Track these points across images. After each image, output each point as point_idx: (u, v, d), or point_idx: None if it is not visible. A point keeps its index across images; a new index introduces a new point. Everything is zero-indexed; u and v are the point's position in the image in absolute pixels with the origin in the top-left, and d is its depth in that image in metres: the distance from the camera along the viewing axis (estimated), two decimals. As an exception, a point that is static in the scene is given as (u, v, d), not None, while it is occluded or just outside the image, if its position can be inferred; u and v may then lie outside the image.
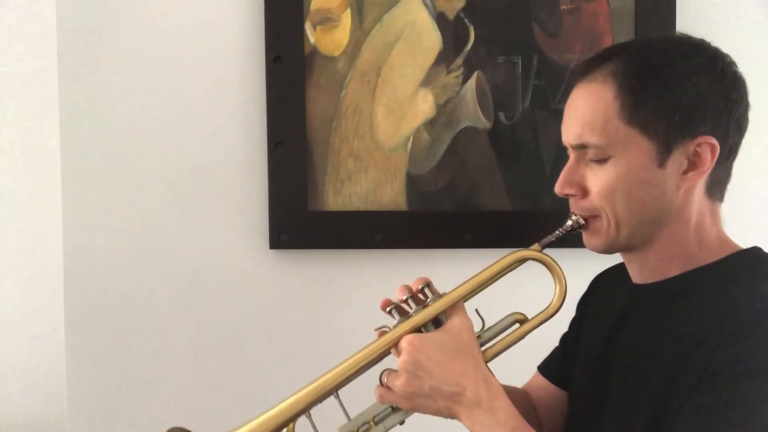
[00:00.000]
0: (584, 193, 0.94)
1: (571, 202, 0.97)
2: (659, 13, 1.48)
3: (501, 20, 1.50)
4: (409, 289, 0.98)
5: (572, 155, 0.95)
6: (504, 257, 0.99)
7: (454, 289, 0.97)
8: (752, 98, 0.93)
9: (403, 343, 0.93)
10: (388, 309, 0.98)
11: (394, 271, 1.48)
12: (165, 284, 1.56)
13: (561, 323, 1.13)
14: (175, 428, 0.98)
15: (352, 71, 1.51)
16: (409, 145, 1.52)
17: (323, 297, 1.55)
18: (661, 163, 0.88)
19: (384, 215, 1.52)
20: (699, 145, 0.88)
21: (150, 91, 1.53)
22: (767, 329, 0.81)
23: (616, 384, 0.94)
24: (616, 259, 1.04)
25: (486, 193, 1.52)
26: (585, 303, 1.14)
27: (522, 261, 0.99)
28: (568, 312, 1.14)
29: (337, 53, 1.51)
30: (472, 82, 1.51)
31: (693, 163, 0.89)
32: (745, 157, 0.95)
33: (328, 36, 1.51)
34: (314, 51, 1.51)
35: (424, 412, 0.94)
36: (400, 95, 1.51)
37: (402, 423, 1.00)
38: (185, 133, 1.54)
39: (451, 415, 0.93)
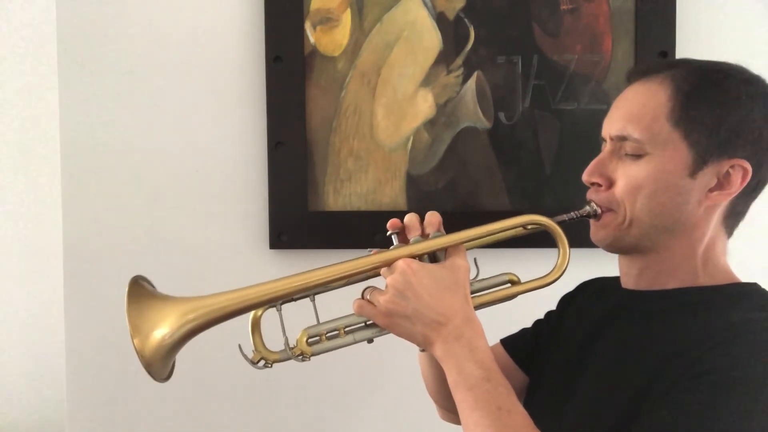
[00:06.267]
0: (609, 185, 0.95)
1: (592, 191, 0.98)
2: (659, 13, 1.48)
3: (501, 20, 1.50)
4: (418, 218, 1.00)
5: (607, 147, 0.97)
6: (516, 217, 1.00)
7: (459, 232, 0.98)
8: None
9: (400, 263, 0.94)
10: (390, 233, 1.00)
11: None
12: (165, 284, 1.55)
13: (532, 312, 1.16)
14: (138, 276, 0.99)
15: (352, 71, 1.51)
16: (409, 145, 1.52)
17: (323, 297, 1.54)
18: (693, 173, 0.90)
19: (384, 215, 1.50)
20: (732, 166, 0.89)
21: (150, 91, 1.54)
22: (760, 341, 0.81)
23: (592, 376, 0.95)
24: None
25: (486, 193, 1.52)
26: (569, 301, 1.15)
27: (532, 225, 1.01)
28: (545, 304, 1.16)
29: (337, 53, 1.51)
30: (472, 82, 1.51)
31: (721, 184, 0.90)
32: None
33: (328, 36, 1.51)
34: (314, 51, 1.51)
35: (398, 334, 0.94)
36: (400, 95, 1.51)
37: (370, 341, 0.99)
38: (185, 133, 1.54)
39: (425, 342, 0.92)
